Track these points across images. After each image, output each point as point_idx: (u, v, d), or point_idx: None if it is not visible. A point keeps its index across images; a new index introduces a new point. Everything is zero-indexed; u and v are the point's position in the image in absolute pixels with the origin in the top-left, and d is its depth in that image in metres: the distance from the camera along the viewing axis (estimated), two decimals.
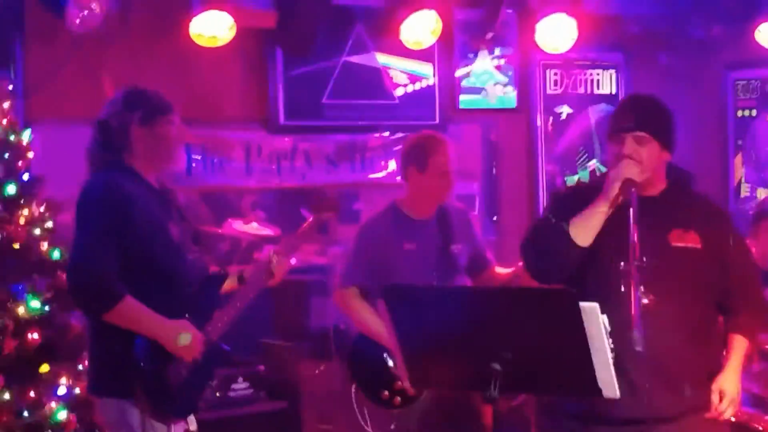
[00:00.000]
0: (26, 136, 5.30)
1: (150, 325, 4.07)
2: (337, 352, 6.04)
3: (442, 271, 5.22)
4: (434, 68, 7.02)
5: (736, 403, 4.07)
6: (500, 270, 5.46)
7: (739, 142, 7.70)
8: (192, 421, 4.31)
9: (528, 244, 4.17)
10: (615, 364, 3.30)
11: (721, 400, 3.99)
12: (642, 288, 3.75)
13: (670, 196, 4.07)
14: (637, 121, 4.09)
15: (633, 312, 3.72)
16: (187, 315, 4.16)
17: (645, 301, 3.81)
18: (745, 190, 7.66)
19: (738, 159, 7.73)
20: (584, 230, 3.95)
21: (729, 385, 4.01)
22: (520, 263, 5.17)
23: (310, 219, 4.57)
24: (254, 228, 6.46)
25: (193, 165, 6.38)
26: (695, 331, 4.10)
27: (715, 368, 4.10)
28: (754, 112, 7.62)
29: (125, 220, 4.06)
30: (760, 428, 5.25)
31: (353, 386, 5.40)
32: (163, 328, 4.09)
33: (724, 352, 4.18)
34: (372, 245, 5.19)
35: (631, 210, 3.86)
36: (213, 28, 6.00)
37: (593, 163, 7.39)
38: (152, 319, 4.08)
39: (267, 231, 6.59)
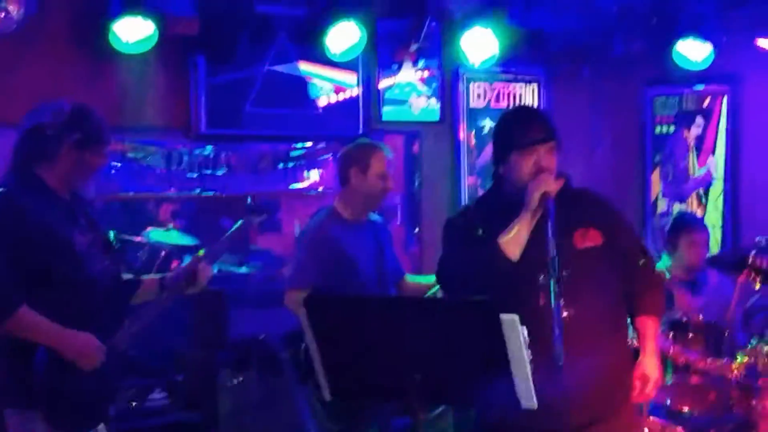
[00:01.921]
0: None
1: (47, 335, 4.02)
2: (257, 363, 6.02)
3: (380, 275, 5.33)
4: (358, 79, 7.02)
5: (658, 386, 4.20)
6: (418, 279, 5.57)
7: (657, 158, 7.79)
8: (101, 430, 4.25)
9: (453, 263, 4.18)
10: (534, 376, 3.33)
11: (643, 384, 4.10)
12: (562, 301, 3.80)
13: (563, 199, 4.09)
14: (547, 132, 4.13)
15: (554, 326, 3.75)
16: (91, 324, 4.09)
17: (565, 314, 3.84)
18: (662, 206, 7.76)
19: (655, 175, 7.82)
20: (515, 244, 3.98)
21: (650, 369, 4.13)
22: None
23: (240, 222, 4.54)
24: (173, 237, 6.40)
25: (112, 172, 6.31)
26: (612, 333, 4.18)
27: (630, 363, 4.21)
28: (672, 129, 7.71)
29: (18, 235, 4.01)
30: None
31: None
32: (61, 337, 4.03)
33: (636, 338, 4.28)
34: (320, 247, 5.22)
35: (549, 223, 3.89)
36: (134, 34, 5.93)
37: None
38: (50, 329, 4.02)
39: (186, 240, 6.55)
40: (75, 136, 4.12)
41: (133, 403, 5.82)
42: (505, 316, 3.23)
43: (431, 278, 5.48)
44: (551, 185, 4.00)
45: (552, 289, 3.78)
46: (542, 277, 3.88)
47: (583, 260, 4.05)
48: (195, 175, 6.58)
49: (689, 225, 6.36)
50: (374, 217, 5.47)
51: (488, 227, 4.06)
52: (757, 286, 5.40)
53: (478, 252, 4.02)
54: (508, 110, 4.49)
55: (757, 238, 6.72)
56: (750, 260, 5.04)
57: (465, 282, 4.00)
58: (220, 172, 6.66)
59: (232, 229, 4.55)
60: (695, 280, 6.26)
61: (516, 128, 4.19)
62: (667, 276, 6.08)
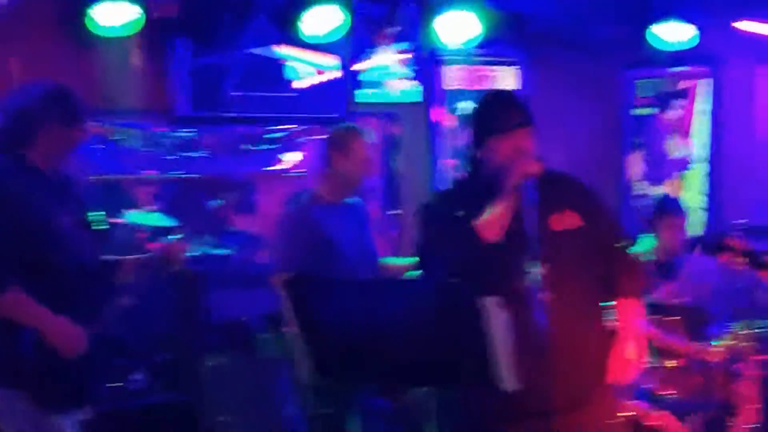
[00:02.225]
0: None
1: (36, 319, 4.04)
2: (239, 344, 6.03)
3: (362, 256, 5.36)
4: (338, 61, 7.03)
5: (637, 369, 4.19)
6: (395, 261, 5.62)
7: (636, 140, 7.82)
8: (86, 411, 4.27)
9: (432, 247, 4.20)
10: (517, 358, 3.36)
11: (622, 367, 4.13)
12: (543, 283, 3.82)
13: (539, 182, 4.11)
14: (525, 116, 4.15)
15: (534, 309, 3.78)
16: (76, 305, 4.11)
17: (544, 294, 3.87)
18: (640, 188, 7.79)
19: (633, 157, 7.85)
20: (495, 227, 3.99)
21: (628, 351, 4.13)
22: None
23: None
24: (153, 219, 6.39)
25: (92, 155, 6.30)
26: (592, 315, 4.20)
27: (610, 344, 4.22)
28: (652, 110, 7.77)
29: (6, 217, 4.02)
30: (656, 424, 5.38)
31: None
32: (49, 323, 4.06)
33: (616, 320, 4.26)
34: (306, 233, 5.24)
35: (529, 205, 3.92)
36: (115, 18, 5.94)
37: None
38: (39, 314, 4.04)
39: (166, 222, 6.54)
40: (54, 114, 4.17)
41: (116, 384, 5.82)
42: (486, 299, 3.24)
43: (408, 260, 5.53)
44: (530, 168, 4.03)
45: (532, 271, 3.82)
46: (522, 259, 3.91)
47: (560, 242, 4.07)
48: (175, 157, 6.58)
49: (668, 208, 6.39)
50: (353, 200, 5.48)
51: (466, 211, 4.08)
52: (740, 267, 5.43)
53: (457, 235, 4.05)
54: (484, 95, 4.47)
55: (737, 221, 6.80)
56: (729, 242, 5.07)
57: (445, 265, 4.02)
58: (200, 154, 6.66)
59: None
60: (673, 263, 6.26)
61: (494, 113, 4.20)
62: (644, 259, 6.11)
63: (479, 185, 4.14)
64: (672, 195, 7.50)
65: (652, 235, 6.23)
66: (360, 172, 5.34)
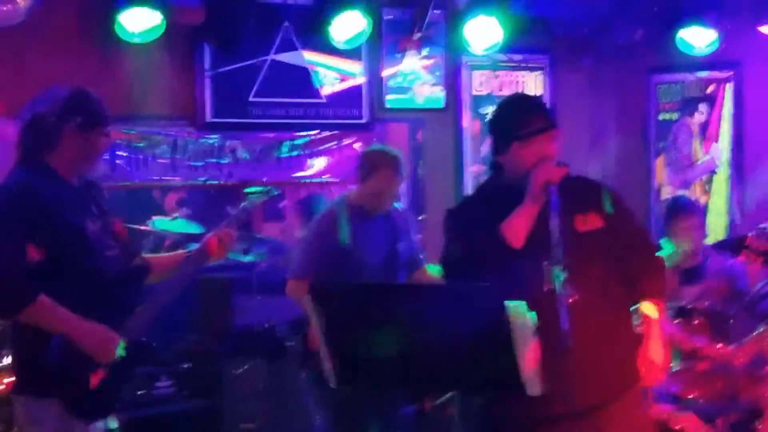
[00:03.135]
0: None
1: (65, 326, 4.03)
2: (265, 351, 6.04)
3: (387, 266, 5.36)
4: (362, 67, 7.03)
5: (664, 370, 4.24)
6: (430, 273, 5.58)
7: (661, 145, 7.81)
8: (112, 420, 4.27)
9: (457, 252, 4.20)
10: (542, 362, 3.35)
11: (649, 369, 4.14)
12: (567, 286, 3.82)
13: (563, 185, 4.11)
14: (548, 121, 4.15)
15: (560, 312, 3.77)
16: (103, 311, 4.10)
17: (571, 297, 3.86)
18: (666, 193, 7.77)
19: (660, 161, 7.84)
20: (519, 231, 4.00)
21: (654, 354, 4.16)
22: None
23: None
24: (178, 225, 6.43)
25: (118, 162, 6.34)
26: (616, 317, 4.20)
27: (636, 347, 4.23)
28: (675, 116, 7.73)
29: (34, 223, 4.02)
30: (681, 427, 5.36)
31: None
32: (79, 329, 4.05)
33: (641, 323, 4.28)
34: (327, 239, 5.25)
35: (552, 209, 3.92)
36: (140, 25, 5.95)
37: None
38: (68, 320, 4.02)
39: (191, 228, 6.56)
40: (76, 120, 4.13)
41: (141, 392, 5.84)
42: (511, 303, 3.24)
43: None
44: (554, 173, 4.03)
45: (556, 274, 3.82)
46: (546, 263, 3.90)
47: (584, 244, 4.07)
48: (200, 164, 6.59)
49: (680, 209, 6.35)
50: (396, 205, 5.52)
51: (491, 216, 4.08)
52: (758, 267, 5.40)
53: (482, 240, 4.05)
54: (506, 100, 4.47)
55: (761, 225, 6.75)
56: (748, 241, 5.06)
57: (470, 270, 4.02)
58: (225, 161, 6.67)
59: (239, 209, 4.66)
60: (697, 265, 6.24)
61: (517, 118, 4.20)
62: (669, 263, 6.09)
63: (503, 191, 4.15)
64: (685, 195, 7.49)
65: (670, 238, 6.22)
66: (387, 195, 5.35)
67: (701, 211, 6.60)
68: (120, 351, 4.11)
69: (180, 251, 4.66)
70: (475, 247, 4.08)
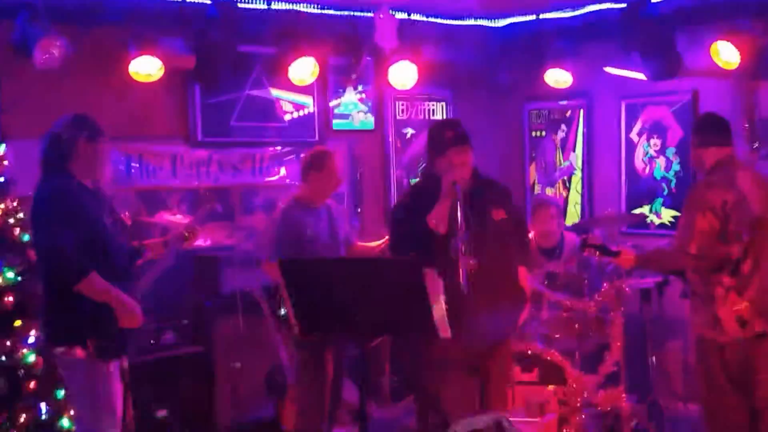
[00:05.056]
0: (1, 149, 5.20)
1: (110, 296, 4.05)
2: (244, 310, 6.02)
3: (332, 243, 5.34)
4: (313, 100, 7.00)
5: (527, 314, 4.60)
6: (364, 244, 5.61)
7: (533, 155, 7.88)
8: (124, 360, 4.28)
9: (400, 234, 4.25)
10: (450, 312, 3.40)
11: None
12: (469, 255, 3.89)
13: (484, 186, 4.20)
14: (458, 137, 4.21)
15: (461, 273, 3.85)
16: (116, 281, 4.12)
17: (471, 262, 3.93)
18: (537, 189, 7.85)
19: (532, 166, 7.91)
20: (439, 220, 4.06)
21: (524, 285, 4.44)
22: (382, 242, 5.34)
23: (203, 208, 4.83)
24: (179, 218, 6.37)
25: (132, 170, 6.28)
26: (507, 278, 4.28)
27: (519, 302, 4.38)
28: (543, 133, 7.79)
29: (74, 215, 4.03)
30: (549, 358, 5.44)
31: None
32: (119, 300, 4.07)
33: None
34: (288, 229, 5.23)
35: (460, 203, 3.98)
36: (146, 69, 5.92)
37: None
38: (112, 292, 4.06)
39: (187, 220, 6.51)
40: (83, 133, 4.16)
41: (151, 341, 5.82)
42: (427, 270, 3.26)
43: (372, 243, 5.57)
44: (458, 175, 4.09)
45: (460, 248, 3.88)
46: (454, 239, 3.97)
47: (497, 227, 4.18)
48: (194, 172, 6.54)
49: (539, 205, 6.46)
50: (331, 201, 5.50)
51: (422, 207, 4.15)
52: (597, 257, 5.49)
53: (415, 226, 4.11)
54: (433, 126, 4.58)
55: (603, 212, 6.87)
56: (588, 242, 5.16)
57: (408, 246, 4.07)
58: (212, 170, 6.62)
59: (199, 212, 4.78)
60: (555, 243, 6.30)
61: (437, 139, 4.30)
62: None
63: (430, 190, 4.21)
64: (551, 194, 7.59)
65: (534, 224, 6.28)
66: (331, 184, 5.34)
67: (559, 205, 6.67)
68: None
69: (165, 237, 4.71)
70: (412, 231, 4.14)
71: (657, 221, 6.95)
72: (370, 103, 7.34)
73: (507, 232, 4.28)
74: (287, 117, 6.92)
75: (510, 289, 4.35)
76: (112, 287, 4.06)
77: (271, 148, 6.85)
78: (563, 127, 7.61)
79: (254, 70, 6.69)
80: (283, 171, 6.87)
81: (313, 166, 5.30)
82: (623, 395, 5.67)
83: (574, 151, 7.54)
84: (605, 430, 5.62)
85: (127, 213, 5.12)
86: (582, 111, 7.47)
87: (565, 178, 7.62)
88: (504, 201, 4.36)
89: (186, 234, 4.65)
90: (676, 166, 6.85)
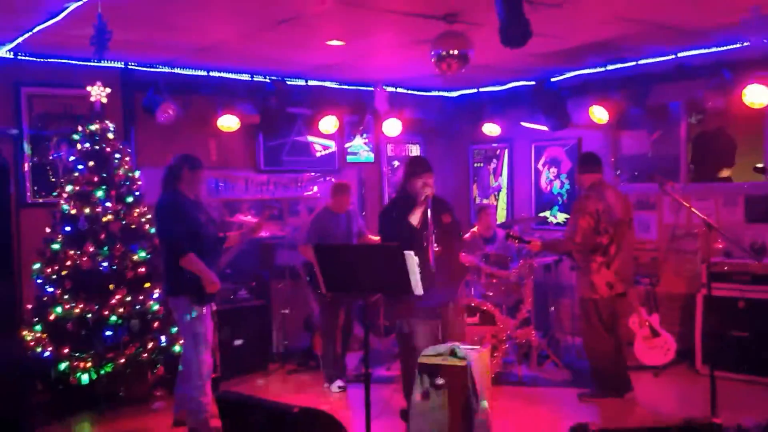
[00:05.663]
0: (137, 174, 5.21)
1: (201, 271, 4.05)
2: (290, 277, 6.02)
3: (347, 236, 5.29)
4: (335, 143, 6.99)
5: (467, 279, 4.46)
6: (371, 237, 5.59)
7: (475, 178, 7.88)
8: (213, 306, 4.26)
9: (387, 229, 4.25)
10: (421, 278, 3.38)
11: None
12: (435, 244, 3.91)
13: (437, 200, 4.20)
14: (428, 167, 4.22)
15: (430, 255, 3.86)
16: (209, 258, 4.10)
17: (437, 248, 3.95)
18: (477, 200, 7.85)
19: (474, 186, 7.92)
20: (415, 220, 4.06)
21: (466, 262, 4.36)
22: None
23: (265, 213, 4.64)
24: (249, 219, 6.38)
25: (219, 187, 6.28)
26: (455, 258, 4.27)
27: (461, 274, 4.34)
28: (482, 164, 7.76)
29: (184, 216, 4.04)
30: (485, 308, 5.44)
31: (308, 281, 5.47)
32: (206, 273, 4.08)
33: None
34: (320, 225, 5.21)
35: (429, 210, 4.00)
36: (228, 123, 5.94)
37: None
38: (202, 267, 4.06)
39: (255, 220, 6.51)
40: (187, 165, 4.18)
41: (231, 296, 5.83)
42: (407, 252, 3.26)
43: (375, 237, 5.56)
44: (429, 192, 4.12)
45: (428, 239, 3.90)
46: (425, 233, 3.99)
47: (445, 228, 4.15)
48: (258, 189, 6.56)
49: (481, 208, 6.46)
50: (350, 208, 5.46)
51: (402, 212, 4.16)
52: (516, 244, 5.51)
53: (399, 224, 4.09)
54: (410, 159, 4.58)
55: (521, 215, 6.87)
56: (510, 234, 5.19)
57: (393, 238, 4.08)
58: (270, 187, 6.63)
59: (264, 213, 4.64)
60: (491, 234, 6.29)
61: (414, 167, 4.31)
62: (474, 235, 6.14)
63: (407, 201, 4.23)
64: (487, 203, 7.57)
65: (479, 222, 6.29)
66: (347, 201, 5.32)
67: (494, 209, 6.68)
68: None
69: (240, 230, 4.64)
70: (396, 227, 4.16)
71: (554, 221, 6.98)
72: (371, 145, 7.32)
73: (452, 231, 4.27)
74: (318, 154, 6.92)
75: (457, 266, 4.36)
76: (202, 263, 4.06)
77: (308, 174, 6.83)
78: (494, 161, 7.59)
79: (297, 124, 6.69)
80: (315, 188, 6.86)
81: (337, 191, 5.34)
82: (533, 332, 5.68)
83: (501, 176, 7.53)
84: (521, 354, 5.63)
85: (216, 215, 5.14)
86: (507, 150, 7.44)
87: (496, 193, 7.59)
88: (449, 210, 4.34)
89: (254, 229, 4.66)
90: (566, 186, 6.88)
